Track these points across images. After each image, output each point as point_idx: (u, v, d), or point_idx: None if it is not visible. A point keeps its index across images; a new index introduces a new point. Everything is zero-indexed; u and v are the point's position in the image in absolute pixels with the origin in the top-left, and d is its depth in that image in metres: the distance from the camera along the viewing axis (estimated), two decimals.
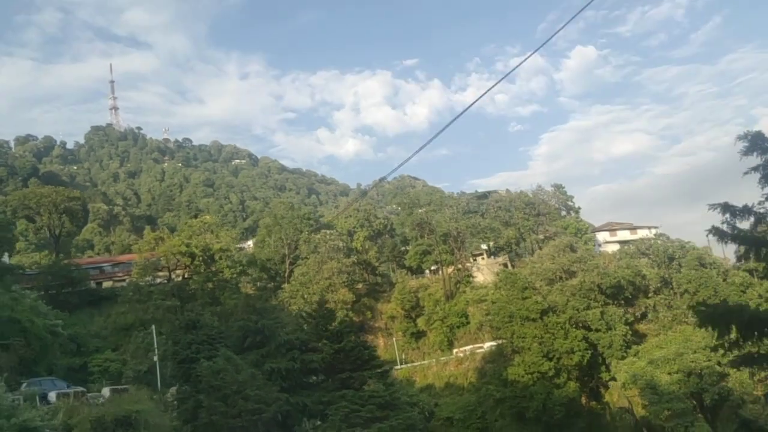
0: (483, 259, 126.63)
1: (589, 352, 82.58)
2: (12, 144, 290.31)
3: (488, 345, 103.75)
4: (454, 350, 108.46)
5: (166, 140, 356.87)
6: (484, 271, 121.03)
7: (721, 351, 72.89)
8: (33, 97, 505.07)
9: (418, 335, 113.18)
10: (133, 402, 33.60)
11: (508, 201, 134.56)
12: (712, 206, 26.55)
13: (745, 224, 26.69)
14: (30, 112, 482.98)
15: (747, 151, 26.26)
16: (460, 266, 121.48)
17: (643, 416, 79.24)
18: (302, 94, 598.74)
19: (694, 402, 72.63)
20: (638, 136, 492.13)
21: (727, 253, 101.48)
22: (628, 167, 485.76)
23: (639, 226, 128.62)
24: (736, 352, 28.23)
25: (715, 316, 26.40)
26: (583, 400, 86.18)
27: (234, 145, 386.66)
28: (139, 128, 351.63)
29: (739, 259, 31.82)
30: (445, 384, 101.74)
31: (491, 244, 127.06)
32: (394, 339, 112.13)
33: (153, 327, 53.55)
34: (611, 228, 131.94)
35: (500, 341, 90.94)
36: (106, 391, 41.49)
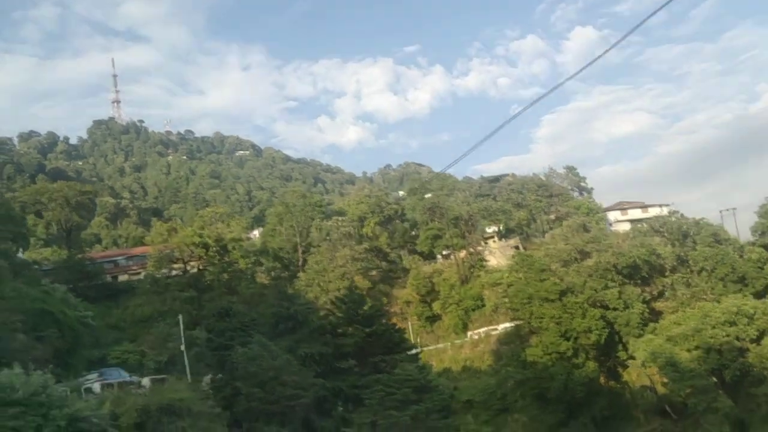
0: (494, 242, 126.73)
1: (606, 330, 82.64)
2: (15, 141, 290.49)
3: (502, 327, 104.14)
4: (469, 333, 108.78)
5: (169, 133, 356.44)
6: (497, 254, 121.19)
7: (740, 325, 73.24)
8: (34, 93, 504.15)
9: (433, 319, 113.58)
10: (174, 391, 33.86)
11: (521, 183, 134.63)
12: None
13: None
14: (31, 109, 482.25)
15: None
16: (471, 250, 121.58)
17: (663, 394, 79.65)
18: (304, 82, 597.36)
19: (715, 378, 72.86)
20: (640, 116, 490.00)
21: (740, 229, 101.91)
22: (631, 147, 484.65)
23: (650, 204, 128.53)
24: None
25: None
26: (602, 379, 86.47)
27: (237, 136, 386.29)
28: (141, 121, 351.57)
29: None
30: (462, 367, 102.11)
31: (502, 226, 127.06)
32: (409, 323, 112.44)
33: (180, 317, 53.69)
34: (622, 207, 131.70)
35: (517, 322, 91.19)
36: (146, 381, 41.77)
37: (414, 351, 56.01)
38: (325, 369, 44.43)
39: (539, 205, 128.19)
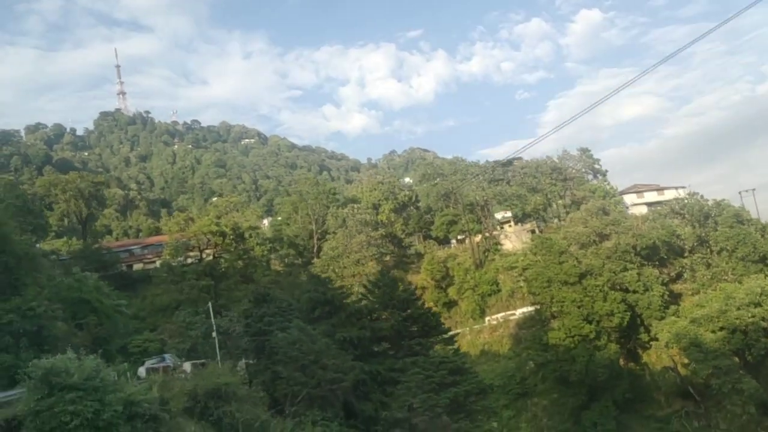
0: (510, 226, 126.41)
1: (628, 314, 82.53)
2: (23, 133, 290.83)
3: (520, 311, 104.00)
4: (486, 318, 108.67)
5: (175, 123, 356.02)
6: (512, 239, 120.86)
7: (765, 306, 72.82)
8: (39, 85, 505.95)
9: (450, 305, 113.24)
10: (217, 375, 33.78)
11: (534, 167, 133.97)
12: None
13: None
14: (37, 101, 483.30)
15: None
16: (487, 234, 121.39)
17: (685, 375, 79.55)
18: (307, 70, 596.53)
19: (737, 359, 72.75)
20: (646, 99, 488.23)
21: (760, 211, 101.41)
22: (638, 130, 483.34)
23: (666, 186, 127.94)
24: None
25: None
26: (621, 362, 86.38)
27: (242, 125, 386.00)
28: (147, 112, 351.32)
29: None
30: (480, 352, 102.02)
31: (517, 211, 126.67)
32: None
33: (209, 304, 53.62)
34: (638, 190, 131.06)
35: (536, 306, 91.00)
36: (187, 366, 41.84)
37: (450, 334, 55.61)
38: (363, 353, 44.38)
39: (554, 189, 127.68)
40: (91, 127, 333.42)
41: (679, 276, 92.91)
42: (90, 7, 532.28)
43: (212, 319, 50.36)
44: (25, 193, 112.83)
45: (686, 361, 76.63)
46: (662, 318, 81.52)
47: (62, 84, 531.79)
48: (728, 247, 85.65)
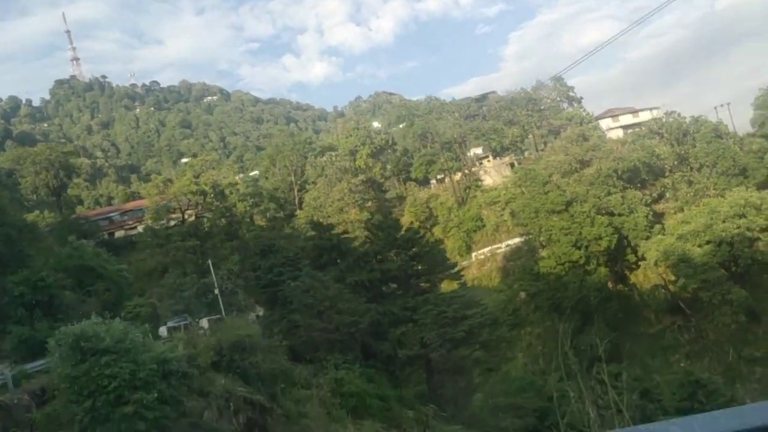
0: (489, 161, 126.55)
1: (615, 236, 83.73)
2: None
3: (506, 244, 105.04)
4: (474, 254, 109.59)
5: (134, 86, 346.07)
6: (492, 173, 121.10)
7: (750, 217, 74.33)
8: None
9: (436, 245, 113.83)
10: (237, 328, 33.64)
11: (510, 100, 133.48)
12: None
13: None
14: None
15: None
16: (467, 171, 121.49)
17: (673, 292, 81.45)
18: (262, 21, 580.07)
19: (725, 271, 74.48)
20: (608, 23, 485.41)
21: (737, 125, 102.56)
22: (600, 56, 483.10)
23: (640, 108, 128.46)
24: None
25: None
26: (610, 285, 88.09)
27: (203, 82, 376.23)
28: (104, 77, 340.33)
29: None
30: (470, 287, 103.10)
31: (495, 145, 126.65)
32: None
33: (210, 261, 53.07)
34: (613, 114, 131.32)
35: (524, 237, 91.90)
36: (204, 322, 41.62)
37: (457, 268, 55.96)
38: (374, 294, 44.53)
39: (531, 120, 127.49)
40: (48, 96, 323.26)
41: (661, 196, 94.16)
42: None
43: (214, 277, 49.97)
44: None
45: (674, 278, 78.50)
46: (648, 238, 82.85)
47: (12, 55, 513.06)
48: (708, 163, 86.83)
